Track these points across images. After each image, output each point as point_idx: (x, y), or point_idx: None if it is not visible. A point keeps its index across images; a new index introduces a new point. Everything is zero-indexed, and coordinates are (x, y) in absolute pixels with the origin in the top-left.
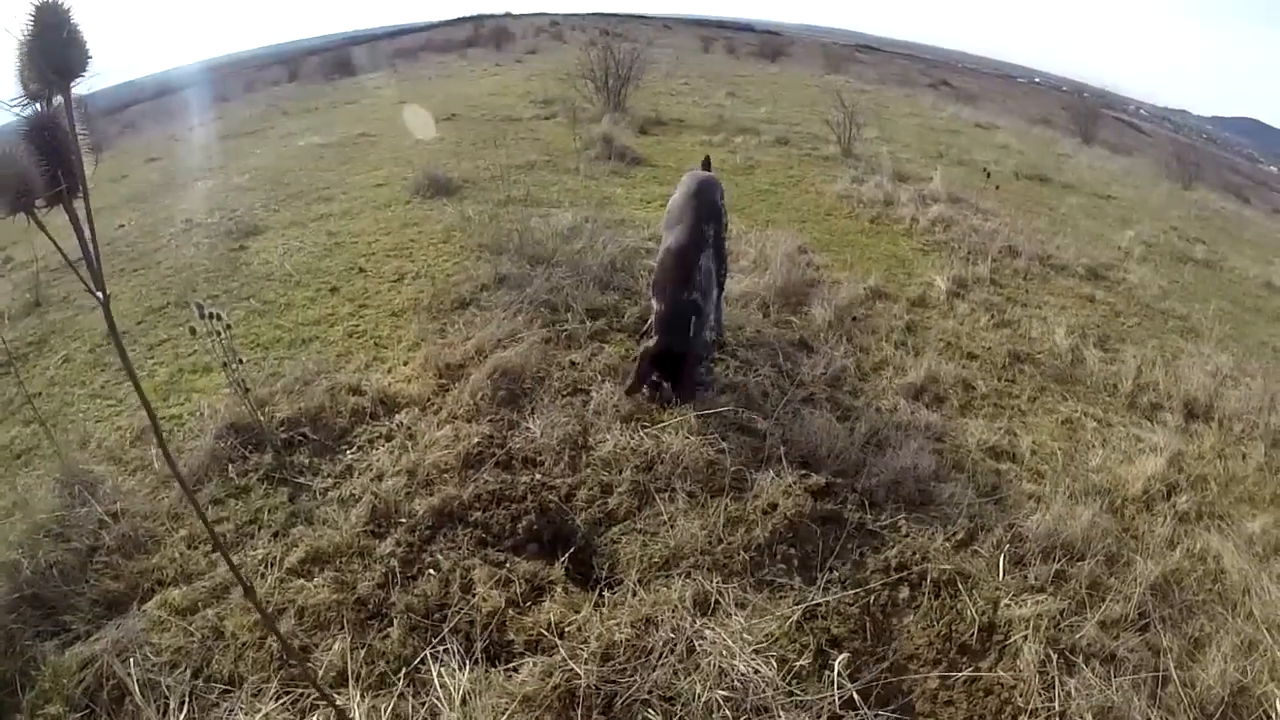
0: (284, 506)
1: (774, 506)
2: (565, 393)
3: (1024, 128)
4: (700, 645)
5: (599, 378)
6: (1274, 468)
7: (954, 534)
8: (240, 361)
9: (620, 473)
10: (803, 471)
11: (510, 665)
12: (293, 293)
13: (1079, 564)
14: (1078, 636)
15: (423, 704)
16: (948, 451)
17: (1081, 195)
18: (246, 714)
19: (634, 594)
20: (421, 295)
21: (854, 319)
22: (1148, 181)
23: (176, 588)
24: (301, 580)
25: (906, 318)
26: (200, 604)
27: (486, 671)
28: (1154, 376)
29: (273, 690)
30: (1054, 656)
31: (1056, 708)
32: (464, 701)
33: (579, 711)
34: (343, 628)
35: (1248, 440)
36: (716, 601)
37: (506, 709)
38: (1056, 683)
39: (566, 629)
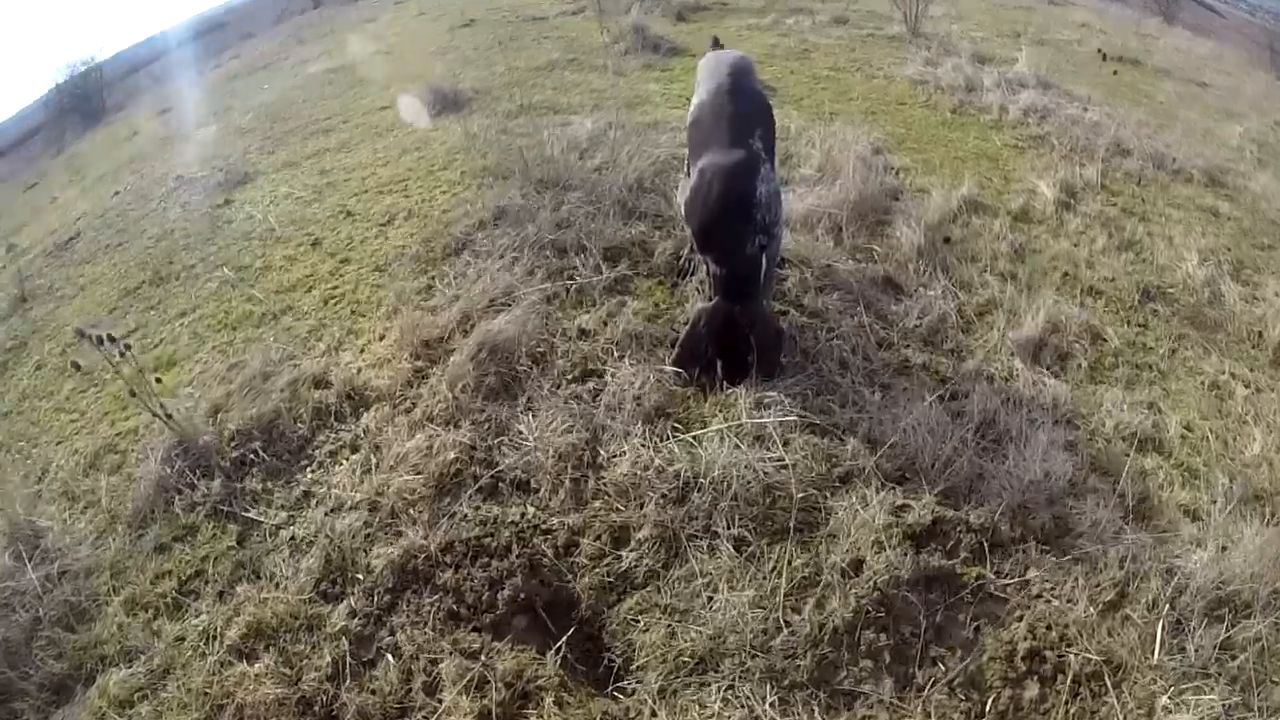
0: (232, 555)
1: (859, 566)
2: (571, 377)
3: (1100, 5)
4: None
5: (615, 351)
6: None
7: (1100, 590)
8: (159, 379)
9: (641, 507)
10: (899, 499)
11: None
12: (272, 251)
13: (1247, 623)
14: None
15: None
16: (1082, 443)
17: (1176, 82)
18: None
19: (653, 714)
20: (410, 241)
21: (947, 240)
22: (1238, 69)
23: (116, 669)
24: (242, 666)
25: (1010, 237)
26: (138, 695)
27: None
28: None
29: None
30: None
31: None
32: None
33: None
34: None
35: None
36: None
37: None
38: None
39: None
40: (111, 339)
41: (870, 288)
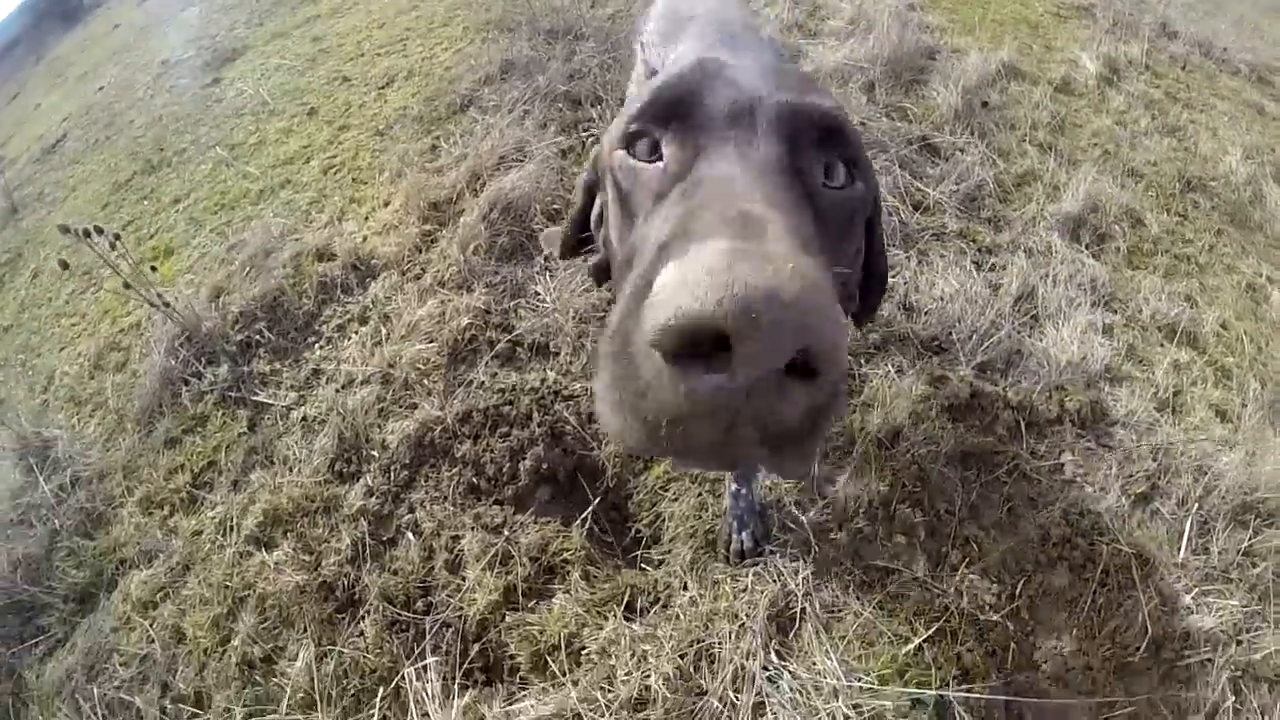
0: (243, 440)
1: (895, 438)
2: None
3: None
4: (773, 694)
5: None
6: None
7: (1132, 480)
8: (153, 268)
9: None
10: (936, 370)
11: (509, 694)
12: (266, 126)
13: (1270, 530)
14: (1258, 656)
15: None
16: (1119, 330)
17: None
18: None
19: (684, 587)
20: (412, 102)
21: (985, 105)
22: None
23: (137, 571)
24: (261, 555)
25: (1050, 108)
26: (159, 595)
27: (476, 699)
28: None
29: (237, 715)
30: (1229, 694)
31: None
32: None
33: None
34: (306, 629)
35: None
36: (802, 611)
37: None
38: None
39: (584, 649)
40: (99, 230)
41: (906, 148)
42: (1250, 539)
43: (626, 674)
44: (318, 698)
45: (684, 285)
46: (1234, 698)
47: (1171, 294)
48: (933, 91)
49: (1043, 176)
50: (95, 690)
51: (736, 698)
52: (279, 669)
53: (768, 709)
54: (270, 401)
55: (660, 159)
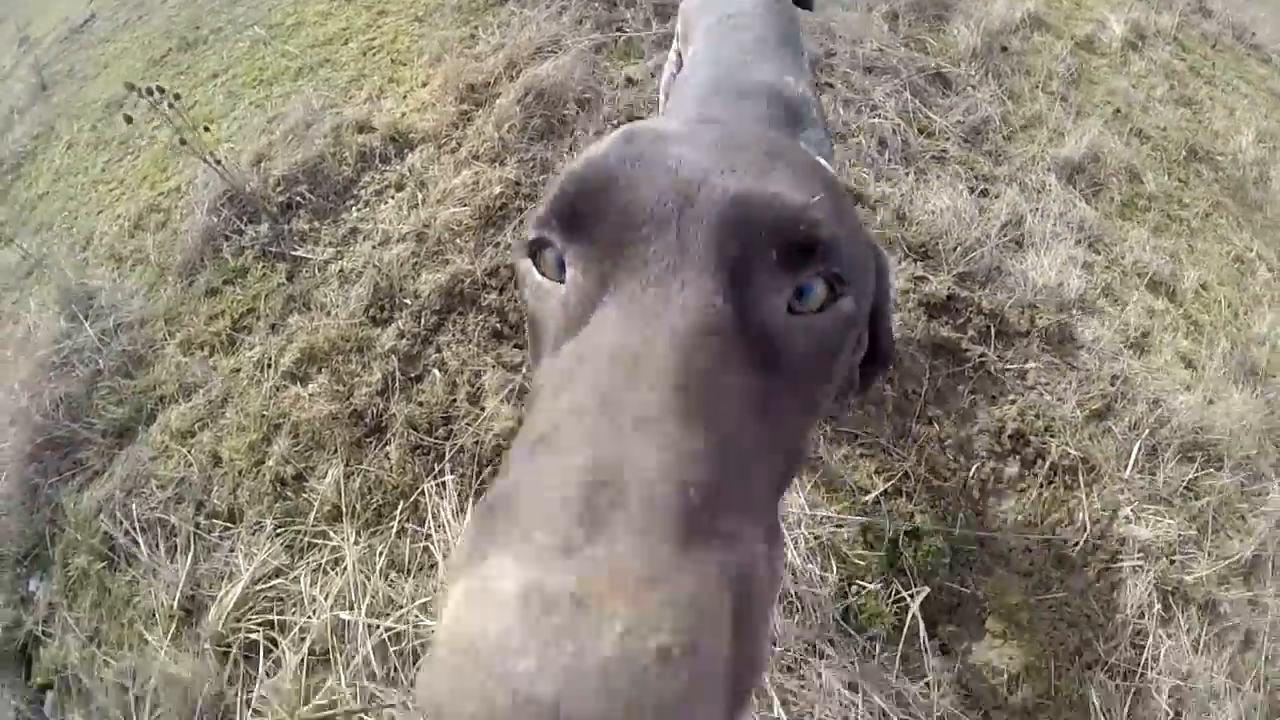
0: (282, 290)
1: None
2: (617, 122)
3: None
4: None
5: (665, 100)
6: None
7: (1089, 398)
8: (206, 128)
9: None
10: (919, 271)
11: None
12: (304, 8)
13: (1215, 473)
14: (1187, 578)
15: (420, 548)
16: (1099, 268)
17: None
18: (245, 555)
19: None
20: None
21: (1004, 50)
22: None
23: (176, 405)
24: (296, 388)
25: (1070, 61)
26: (198, 425)
27: None
28: None
29: (269, 527)
30: (1156, 602)
31: (1138, 669)
32: None
33: None
34: (336, 450)
35: None
36: None
37: None
38: (1151, 638)
39: None
40: (161, 90)
41: (920, 78)
42: (1196, 473)
43: None
44: (344, 510)
45: (449, 659)
46: (1160, 606)
47: (1158, 248)
48: (955, 29)
49: (1049, 122)
50: (134, 508)
51: None
52: (309, 486)
53: None
54: (309, 256)
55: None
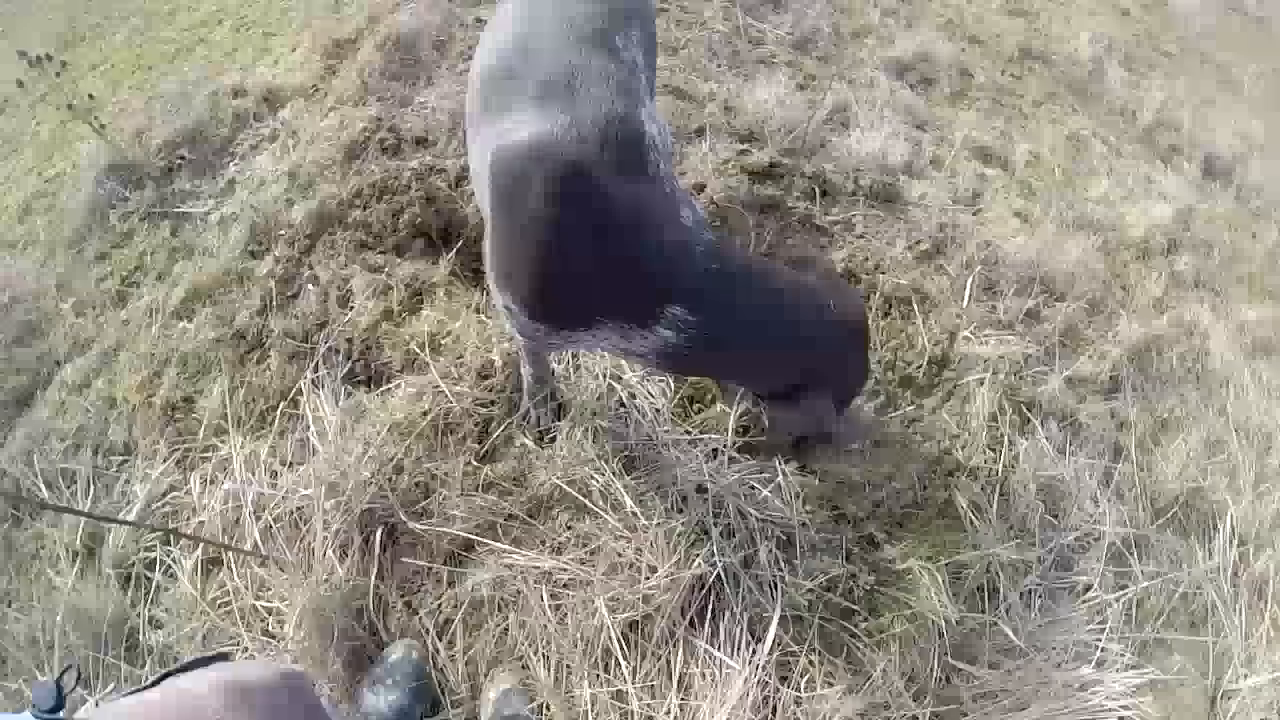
0: (166, 244)
1: (701, 188)
2: (467, 55)
3: None
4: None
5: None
6: None
7: (918, 243)
8: (90, 96)
9: None
10: (743, 147)
11: (383, 389)
12: None
13: (1056, 305)
14: (1039, 390)
15: (300, 441)
16: (927, 144)
17: None
18: (142, 482)
19: None
20: None
21: None
22: None
23: (70, 363)
24: (183, 323)
25: None
26: (92, 375)
27: (360, 401)
28: (1179, 116)
29: (161, 451)
30: (1009, 410)
31: (1000, 470)
32: (342, 431)
33: (452, 439)
34: (221, 369)
35: (1263, 219)
36: None
37: (378, 438)
38: (1006, 442)
39: (443, 341)
40: (49, 57)
41: None
42: (1035, 304)
43: (474, 350)
44: (230, 423)
45: None
46: (1014, 414)
47: (989, 127)
48: None
49: (879, 31)
50: (36, 463)
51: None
52: (198, 405)
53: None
54: (191, 210)
55: None
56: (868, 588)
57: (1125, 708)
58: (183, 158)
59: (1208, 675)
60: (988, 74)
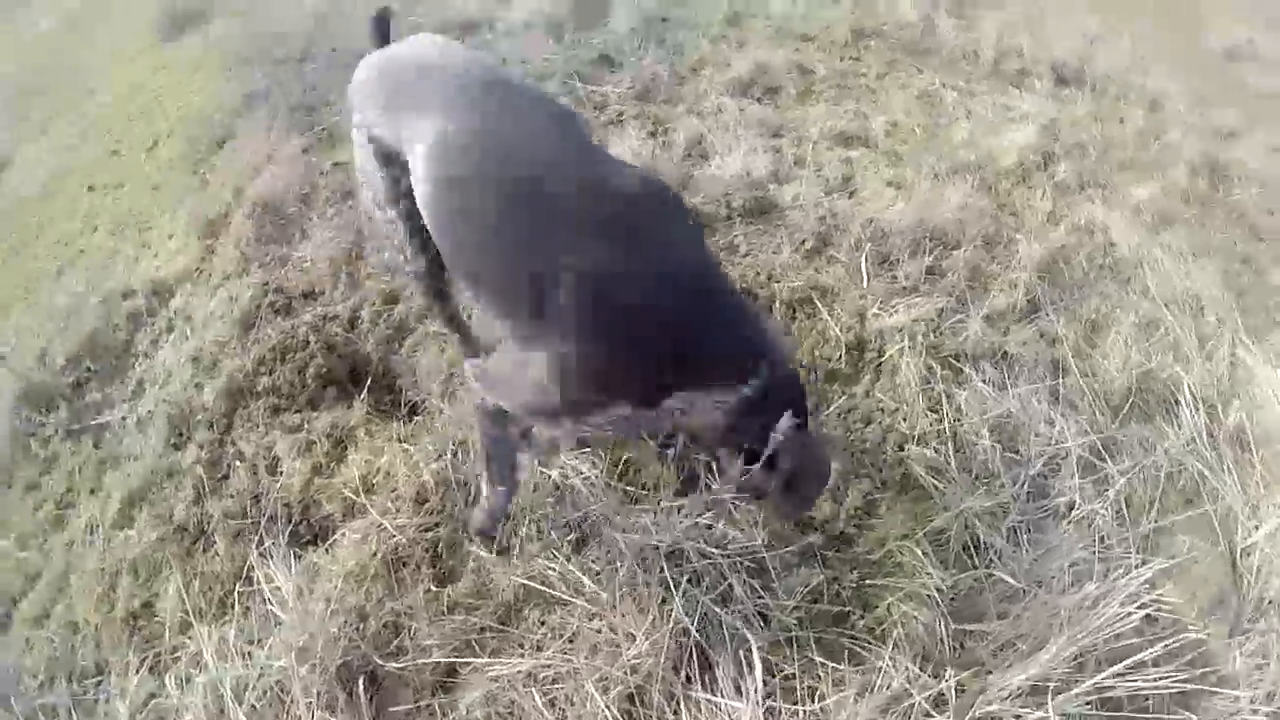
0: (92, 458)
1: None
2: (333, 202)
3: None
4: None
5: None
6: (1154, 132)
7: (803, 242)
8: None
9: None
10: None
11: (329, 542)
12: (49, 209)
13: (954, 253)
14: (962, 339)
15: (263, 616)
16: (787, 147)
17: None
18: (121, 698)
19: (440, 413)
20: (178, 151)
21: (664, 20)
22: None
23: (25, 598)
24: (125, 531)
25: (728, 10)
26: (48, 604)
27: (313, 560)
28: (1018, 41)
29: (132, 663)
30: (937, 367)
31: (947, 427)
32: (300, 595)
33: (407, 571)
34: (172, 566)
35: (1124, 104)
36: None
37: (336, 592)
38: (944, 399)
39: (375, 480)
40: None
41: (587, 67)
42: (932, 260)
43: (405, 480)
44: (192, 616)
45: None
46: (943, 369)
47: (842, 113)
48: (616, 17)
49: (714, 60)
50: (16, 708)
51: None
52: (158, 608)
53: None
54: (108, 419)
55: None
56: (854, 585)
57: (1144, 605)
58: (89, 369)
59: (1219, 542)
60: (827, 65)
